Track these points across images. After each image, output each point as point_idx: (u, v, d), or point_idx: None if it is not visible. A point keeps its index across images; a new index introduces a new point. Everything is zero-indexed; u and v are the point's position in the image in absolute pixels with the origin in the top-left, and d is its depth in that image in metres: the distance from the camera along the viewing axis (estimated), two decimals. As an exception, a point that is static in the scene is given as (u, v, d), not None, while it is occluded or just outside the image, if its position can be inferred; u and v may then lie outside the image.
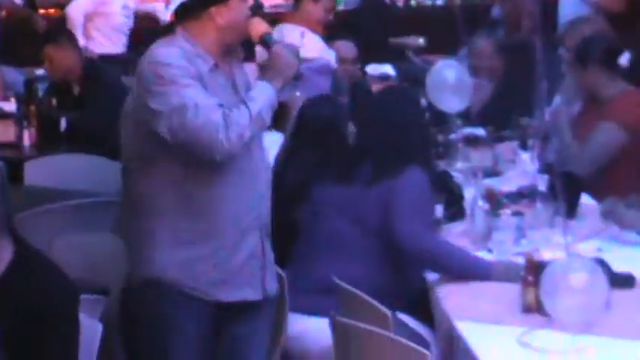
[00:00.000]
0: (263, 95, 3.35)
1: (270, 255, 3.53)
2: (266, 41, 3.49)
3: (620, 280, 3.48)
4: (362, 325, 3.25)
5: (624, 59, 4.90)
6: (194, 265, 3.36)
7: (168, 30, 3.44)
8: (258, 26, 3.51)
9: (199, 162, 3.27)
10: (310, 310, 3.80)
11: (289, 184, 4.24)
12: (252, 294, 3.46)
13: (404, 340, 3.13)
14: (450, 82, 5.28)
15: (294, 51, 3.46)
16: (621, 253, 3.89)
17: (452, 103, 5.30)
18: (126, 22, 8.24)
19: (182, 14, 3.41)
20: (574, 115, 5.03)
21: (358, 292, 3.51)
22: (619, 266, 3.58)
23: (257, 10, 7.14)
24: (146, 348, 3.44)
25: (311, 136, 4.49)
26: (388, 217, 3.81)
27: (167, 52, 3.31)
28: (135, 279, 3.42)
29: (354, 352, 3.29)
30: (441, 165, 4.93)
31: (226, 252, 3.39)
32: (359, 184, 3.94)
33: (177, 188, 3.34)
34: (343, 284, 3.60)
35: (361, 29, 7.82)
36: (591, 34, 5.26)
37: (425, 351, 3.06)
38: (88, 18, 8.06)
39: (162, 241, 3.36)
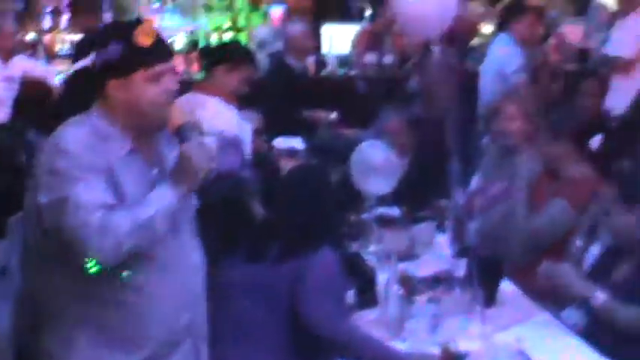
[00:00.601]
0: (160, 201, 3.05)
1: None
2: (182, 133, 3.16)
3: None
4: None
5: (595, 142, 4.92)
6: None
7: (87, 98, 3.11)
8: (177, 116, 3.20)
9: None
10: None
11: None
12: None
13: None
14: (376, 164, 5.14)
15: (209, 152, 3.14)
16: (541, 343, 3.79)
17: (378, 186, 5.16)
18: (7, 95, 7.84)
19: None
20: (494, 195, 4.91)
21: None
22: (538, 357, 3.57)
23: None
24: None
25: (214, 214, 4.29)
26: (297, 299, 3.67)
27: (71, 136, 3.00)
28: None
29: None
30: (353, 247, 4.79)
31: None
32: (267, 263, 3.79)
33: (93, 290, 3.05)
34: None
35: (268, 98, 7.60)
36: (570, 110, 5.31)
37: None
38: None
39: (81, 349, 3.07)
